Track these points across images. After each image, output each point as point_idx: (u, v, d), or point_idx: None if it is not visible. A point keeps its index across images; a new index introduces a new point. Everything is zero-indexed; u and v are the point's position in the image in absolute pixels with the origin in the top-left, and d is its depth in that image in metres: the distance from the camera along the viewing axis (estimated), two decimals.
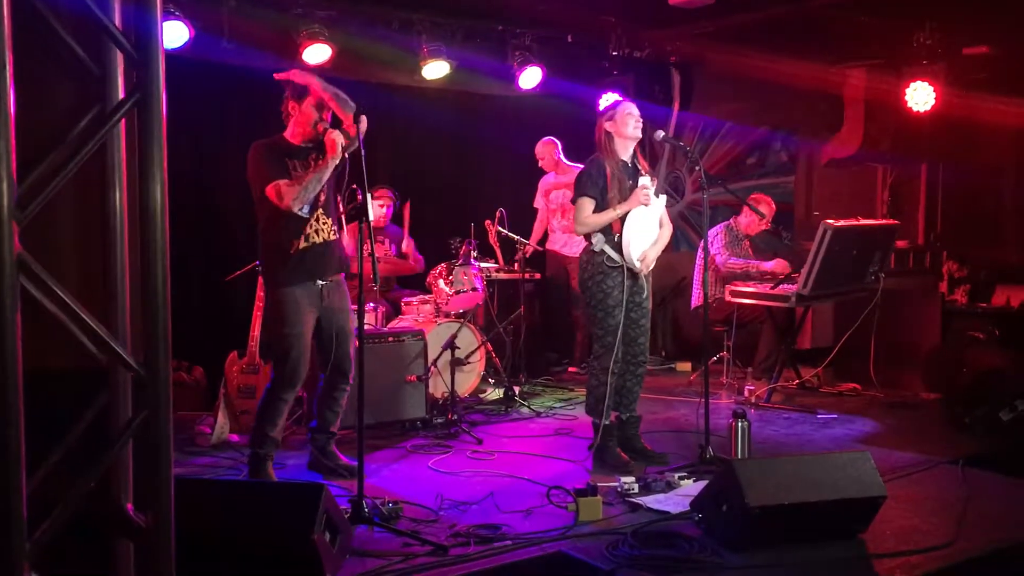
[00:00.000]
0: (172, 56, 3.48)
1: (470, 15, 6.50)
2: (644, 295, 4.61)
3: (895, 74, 6.64)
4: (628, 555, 3.26)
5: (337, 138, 4.04)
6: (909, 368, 6.52)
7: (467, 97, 7.31)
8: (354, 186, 4.22)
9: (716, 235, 6.51)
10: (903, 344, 6.70)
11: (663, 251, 4.69)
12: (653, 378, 6.98)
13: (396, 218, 6.56)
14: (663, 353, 7.97)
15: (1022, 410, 4.99)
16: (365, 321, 4.38)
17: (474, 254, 6.28)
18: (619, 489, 3.99)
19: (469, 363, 5.98)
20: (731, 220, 6.65)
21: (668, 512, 3.74)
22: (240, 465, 4.50)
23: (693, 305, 6.69)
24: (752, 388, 6.07)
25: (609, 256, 4.47)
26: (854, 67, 7.00)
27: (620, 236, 4.45)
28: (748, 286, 6.12)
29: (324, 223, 4.20)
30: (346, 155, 4.08)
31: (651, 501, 3.88)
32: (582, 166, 4.65)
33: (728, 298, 6.16)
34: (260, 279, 4.95)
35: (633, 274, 4.51)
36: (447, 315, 6.02)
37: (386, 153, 6.99)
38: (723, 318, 6.31)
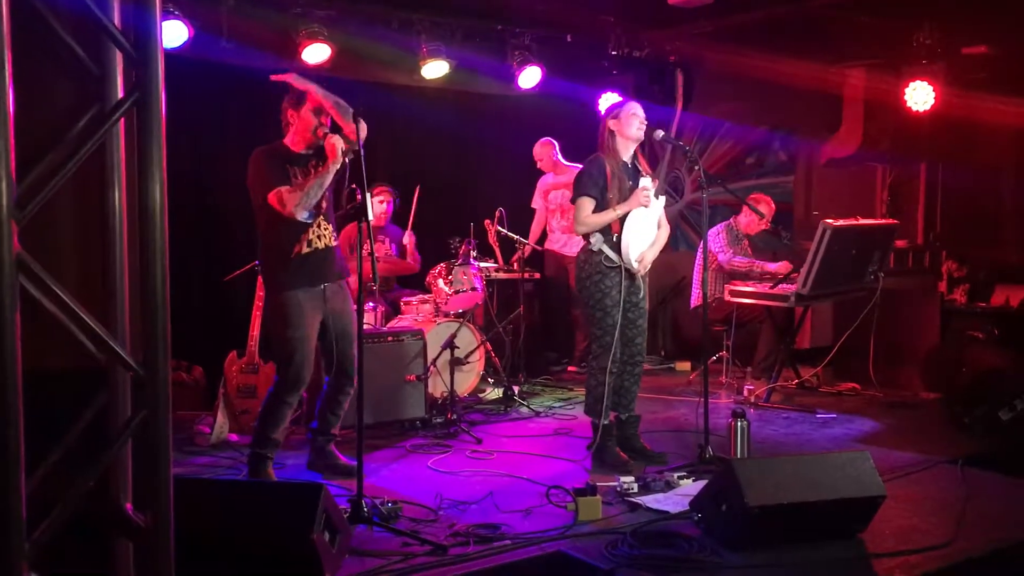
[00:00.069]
0: (171, 56, 3.48)
1: (469, 15, 6.50)
2: (641, 295, 4.61)
3: (894, 74, 6.64)
4: (627, 555, 3.26)
5: (337, 143, 4.03)
6: (908, 368, 6.52)
7: (466, 97, 7.30)
8: (353, 185, 4.23)
9: (717, 234, 6.51)
10: (902, 344, 6.70)
11: (662, 251, 4.70)
12: (652, 378, 6.99)
13: (396, 218, 6.56)
14: (662, 353, 7.97)
15: (1021, 409, 4.99)
16: (364, 321, 4.38)
17: (473, 254, 6.28)
18: (618, 489, 3.99)
19: (468, 363, 5.98)
20: (731, 220, 6.65)
21: (667, 512, 3.74)
22: (239, 465, 4.50)
23: (692, 305, 6.69)
24: (751, 388, 6.08)
25: (607, 256, 4.47)
26: (853, 67, 7.01)
27: (619, 236, 4.45)
28: (747, 286, 6.12)
29: (326, 229, 4.21)
30: (346, 160, 4.08)
31: (650, 501, 3.88)
32: (581, 166, 4.65)
33: (727, 298, 6.16)
34: (259, 279, 4.95)
35: (630, 274, 4.51)
36: (446, 315, 6.02)
37: (385, 153, 6.99)
38: (722, 318, 6.31)
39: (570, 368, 7.23)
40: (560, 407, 5.99)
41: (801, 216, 7.59)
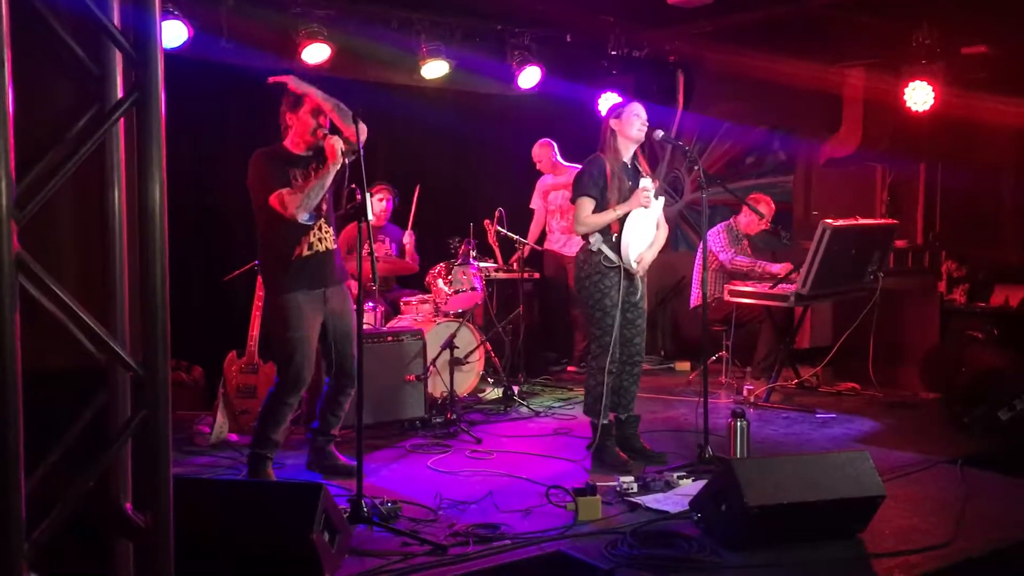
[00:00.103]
0: (171, 55, 3.47)
1: (469, 14, 6.50)
2: (639, 295, 4.61)
3: (894, 74, 6.64)
4: (627, 554, 3.26)
5: (336, 144, 4.03)
6: (908, 368, 6.53)
7: (466, 97, 7.30)
8: (352, 185, 4.22)
9: (717, 234, 6.51)
10: (902, 343, 6.70)
11: (661, 251, 4.70)
12: (652, 377, 6.99)
13: (397, 215, 6.56)
14: (662, 352, 7.97)
15: (1021, 409, 4.99)
16: (364, 321, 4.38)
17: (473, 254, 6.28)
18: (618, 488, 3.99)
19: (468, 363, 5.98)
20: (731, 220, 6.65)
21: (667, 511, 3.74)
22: (239, 465, 4.50)
23: (692, 304, 6.69)
24: (751, 387, 6.08)
25: (606, 256, 4.47)
26: (853, 67, 7.00)
27: (618, 236, 4.45)
28: (747, 285, 6.12)
29: (327, 232, 4.20)
30: (346, 161, 4.08)
31: (650, 500, 3.88)
32: (580, 166, 4.65)
33: (727, 297, 6.16)
34: (259, 279, 4.94)
35: (629, 274, 4.51)
36: (446, 315, 6.02)
37: (385, 153, 6.98)
38: (722, 317, 6.31)
39: (569, 368, 7.23)
40: (560, 407, 5.99)
41: (801, 216, 7.59)
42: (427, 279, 6.32)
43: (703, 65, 7.66)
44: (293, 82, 4.09)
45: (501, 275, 6.84)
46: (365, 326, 4.96)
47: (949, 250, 7.43)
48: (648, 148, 4.83)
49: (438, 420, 5.40)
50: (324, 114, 4.10)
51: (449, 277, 6.14)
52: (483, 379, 6.29)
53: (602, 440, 4.52)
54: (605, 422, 4.53)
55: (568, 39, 7.00)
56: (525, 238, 6.78)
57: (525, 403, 5.94)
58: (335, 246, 4.28)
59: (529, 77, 6.74)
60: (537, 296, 7.48)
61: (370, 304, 5.78)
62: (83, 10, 1.91)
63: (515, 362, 6.69)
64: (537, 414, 5.77)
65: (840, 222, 5.63)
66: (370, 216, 3.72)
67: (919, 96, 6.47)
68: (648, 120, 4.53)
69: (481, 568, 3.22)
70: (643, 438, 4.75)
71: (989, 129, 6.80)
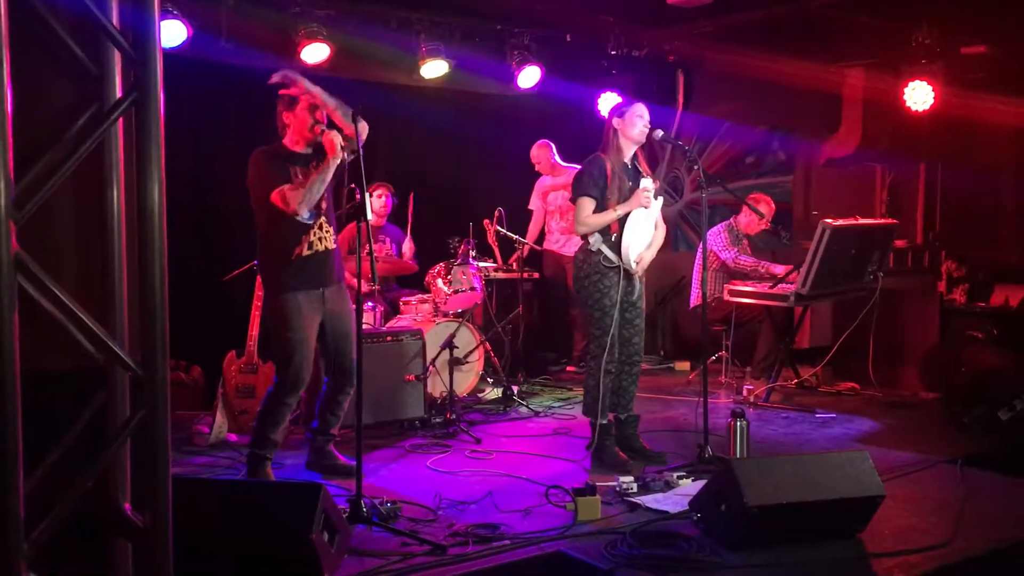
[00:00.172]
0: (170, 55, 3.48)
1: (468, 14, 6.49)
2: (638, 295, 4.61)
3: (893, 74, 6.64)
4: (627, 554, 3.26)
5: (335, 138, 4.03)
6: (908, 367, 6.53)
7: (466, 96, 7.30)
8: (352, 185, 4.22)
9: (718, 234, 6.50)
10: (902, 343, 6.70)
11: (661, 251, 4.70)
12: (652, 377, 6.99)
13: (396, 217, 6.56)
14: (662, 352, 7.98)
15: (1020, 409, 4.99)
16: (364, 320, 4.38)
17: (472, 253, 6.28)
18: (618, 488, 3.99)
19: (467, 362, 5.97)
20: (731, 219, 6.65)
21: (667, 511, 3.74)
22: (238, 465, 4.49)
23: (692, 304, 6.69)
24: (751, 387, 6.08)
25: (606, 256, 4.47)
26: (852, 67, 7.00)
27: (617, 236, 4.45)
28: (747, 285, 6.12)
29: (327, 231, 4.20)
30: (345, 156, 4.07)
31: (650, 500, 3.88)
32: (579, 166, 4.65)
33: (727, 297, 6.16)
34: (258, 279, 4.94)
35: (628, 274, 4.51)
36: (445, 314, 6.02)
37: (385, 152, 6.98)
38: (722, 317, 6.30)
39: (569, 368, 7.23)
40: (559, 407, 5.99)
41: (800, 216, 7.59)
42: (426, 279, 6.32)
43: (703, 65, 7.66)
44: (304, 83, 4.06)
45: (500, 275, 6.84)
46: (364, 326, 4.96)
47: (949, 250, 7.43)
48: (648, 148, 4.82)
49: (437, 420, 5.40)
50: (321, 109, 4.10)
51: (448, 277, 6.14)
52: (482, 379, 6.29)
53: (601, 440, 4.52)
54: (604, 422, 4.53)
55: (568, 39, 7.00)
56: (524, 238, 6.78)
57: (524, 403, 5.94)
58: (335, 245, 4.28)
59: (529, 77, 6.74)
60: (536, 296, 7.48)
61: (370, 304, 5.77)
62: (82, 10, 1.91)
63: (514, 362, 6.68)
64: (536, 414, 5.76)
65: (840, 222, 5.63)
66: (370, 216, 3.72)
67: (919, 96, 6.46)
68: (649, 121, 4.53)
69: (480, 568, 3.21)
70: (643, 438, 4.75)
71: (989, 129, 6.80)
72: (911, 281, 7.12)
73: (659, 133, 4.60)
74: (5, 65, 1.74)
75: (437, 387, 5.69)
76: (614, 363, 4.52)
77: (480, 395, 6.22)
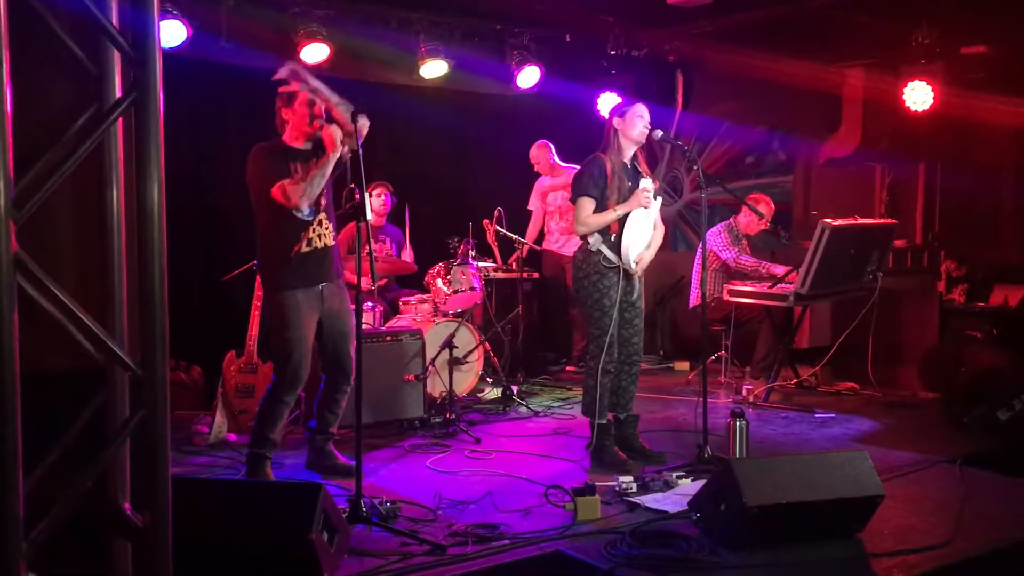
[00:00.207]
0: (170, 55, 3.48)
1: (468, 14, 6.49)
2: (637, 295, 4.62)
3: (893, 74, 6.64)
4: (626, 554, 3.25)
5: (335, 132, 4.03)
6: (907, 367, 6.53)
7: (465, 96, 7.30)
8: (352, 185, 4.22)
9: (718, 234, 6.50)
10: (901, 343, 6.70)
11: (660, 250, 4.70)
12: (651, 377, 6.99)
13: (395, 217, 6.56)
14: (661, 352, 7.98)
15: (1020, 409, 4.99)
16: (363, 320, 4.38)
17: (472, 253, 6.28)
18: (617, 488, 3.99)
19: (467, 362, 5.97)
20: (731, 219, 6.65)
21: (666, 511, 3.74)
22: (238, 464, 4.49)
23: (691, 304, 6.69)
24: (750, 387, 6.08)
25: (605, 256, 4.47)
26: (852, 67, 7.00)
27: (617, 237, 4.45)
28: (746, 285, 6.12)
29: (326, 228, 4.20)
30: (345, 150, 4.07)
31: (649, 500, 3.88)
32: (578, 167, 4.65)
33: (726, 297, 6.16)
34: (258, 279, 4.94)
35: (627, 274, 4.51)
36: (445, 314, 6.01)
37: (384, 152, 6.98)
38: (721, 317, 6.31)
39: (568, 368, 7.23)
40: (559, 407, 5.99)
41: (800, 216, 7.59)
42: (426, 279, 6.32)
43: (703, 65, 7.66)
44: (293, 71, 4.06)
45: (500, 275, 6.84)
46: (364, 326, 4.95)
47: (948, 250, 7.43)
48: (647, 148, 4.82)
49: (437, 420, 5.40)
50: (319, 104, 4.10)
51: (448, 277, 6.14)
52: (482, 379, 6.29)
53: (601, 440, 4.52)
54: (604, 422, 4.53)
55: (567, 39, 7.00)
56: (524, 238, 6.78)
57: (524, 403, 5.94)
58: (334, 242, 4.28)
59: (528, 77, 6.74)
60: (536, 296, 7.48)
61: (369, 304, 5.77)
62: (81, 10, 1.91)
63: (514, 362, 6.68)
64: (536, 414, 5.76)
65: (839, 222, 5.63)
66: (369, 216, 3.72)
67: (918, 96, 6.47)
68: (649, 121, 4.54)
69: (480, 568, 3.21)
70: (642, 438, 4.75)
71: (988, 129, 6.80)
72: (910, 281, 7.12)
73: (658, 133, 4.60)
74: (5, 65, 1.74)
75: (437, 387, 5.69)
76: (613, 363, 4.52)
77: (480, 395, 6.22)
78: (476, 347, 6.06)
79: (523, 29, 6.67)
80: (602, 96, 7.32)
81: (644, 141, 4.56)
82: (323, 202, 4.17)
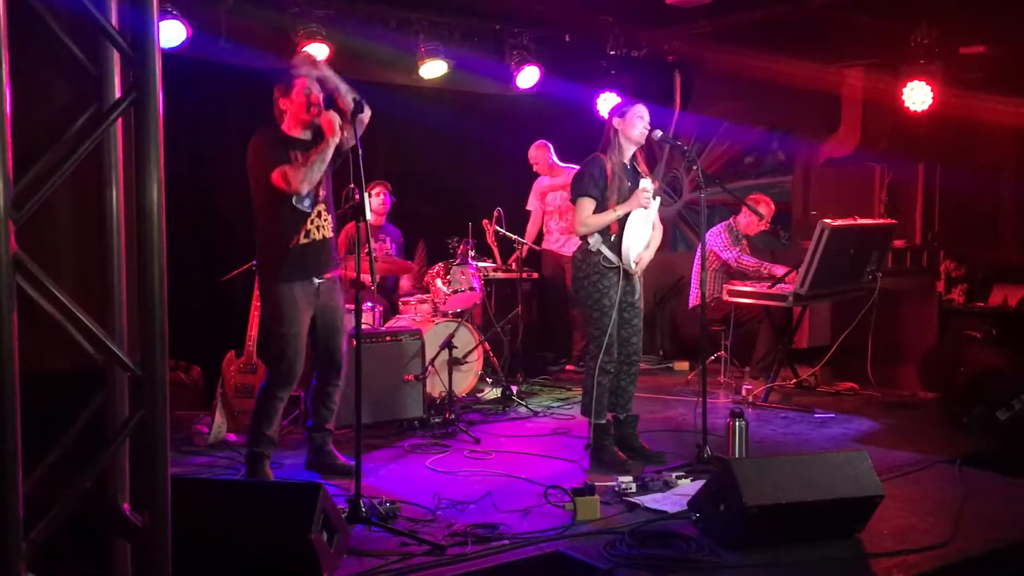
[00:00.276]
0: (169, 55, 3.47)
1: (468, 14, 6.50)
2: (636, 295, 4.62)
3: (892, 74, 6.64)
4: (626, 554, 3.26)
5: (333, 118, 4.04)
6: (906, 367, 6.53)
7: (465, 96, 7.31)
8: (352, 185, 4.22)
9: (718, 234, 6.50)
10: (900, 343, 6.70)
11: (660, 250, 4.70)
12: (651, 377, 6.99)
13: (395, 218, 6.56)
14: (661, 352, 7.98)
15: (1019, 409, 4.99)
16: (363, 320, 4.38)
17: (472, 253, 6.28)
18: (617, 488, 3.99)
19: (467, 362, 5.97)
20: (731, 220, 6.65)
21: (666, 511, 3.74)
22: (237, 464, 4.49)
23: (691, 304, 6.69)
24: (750, 387, 6.08)
25: (605, 256, 4.48)
26: (852, 67, 7.01)
27: (617, 237, 4.45)
28: (746, 285, 6.12)
29: (325, 220, 4.21)
30: (345, 136, 4.07)
31: (649, 500, 3.88)
32: (577, 167, 4.65)
33: (726, 297, 6.16)
34: (257, 278, 4.94)
35: (627, 274, 4.52)
36: (445, 314, 6.02)
37: (384, 152, 6.98)
38: (721, 317, 6.31)
39: (568, 368, 7.23)
40: (558, 407, 5.99)
41: (799, 216, 7.60)
42: (426, 279, 6.32)
43: (702, 65, 7.66)
44: (308, 59, 4.09)
45: (500, 275, 6.84)
46: (364, 326, 4.95)
47: (948, 250, 7.43)
48: (646, 148, 4.83)
49: (437, 420, 5.40)
50: (316, 92, 4.11)
51: (448, 277, 6.13)
52: (482, 379, 6.29)
53: (600, 440, 4.52)
54: (603, 422, 4.53)
55: (567, 39, 7.00)
56: (523, 238, 6.78)
57: (524, 403, 5.94)
58: (332, 235, 4.28)
59: (528, 77, 6.74)
60: (536, 296, 7.48)
61: (369, 304, 5.77)
62: (81, 10, 1.91)
63: (513, 362, 6.68)
64: (536, 414, 5.76)
65: (839, 222, 5.63)
66: (368, 216, 3.72)
67: (918, 96, 6.47)
68: (649, 121, 4.54)
69: (479, 568, 3.21)
70: (642, 438, 4.75)
71: (988, 129, 6.80)
72: (910, 281, 7.12)
73: (658, 133, 4.60)
74: (5, 65, 1.74)
75: (436, 387, 5.69)
76: (613, 363, 4.52)
77: (479, 395, 6.22)
78: (475, 347, 6.06)
79: (523, 29, 6.68)
80: (601, 96, 7.32)
81: (644, 141, 4.56)
82: (322, 193, 4.17)
